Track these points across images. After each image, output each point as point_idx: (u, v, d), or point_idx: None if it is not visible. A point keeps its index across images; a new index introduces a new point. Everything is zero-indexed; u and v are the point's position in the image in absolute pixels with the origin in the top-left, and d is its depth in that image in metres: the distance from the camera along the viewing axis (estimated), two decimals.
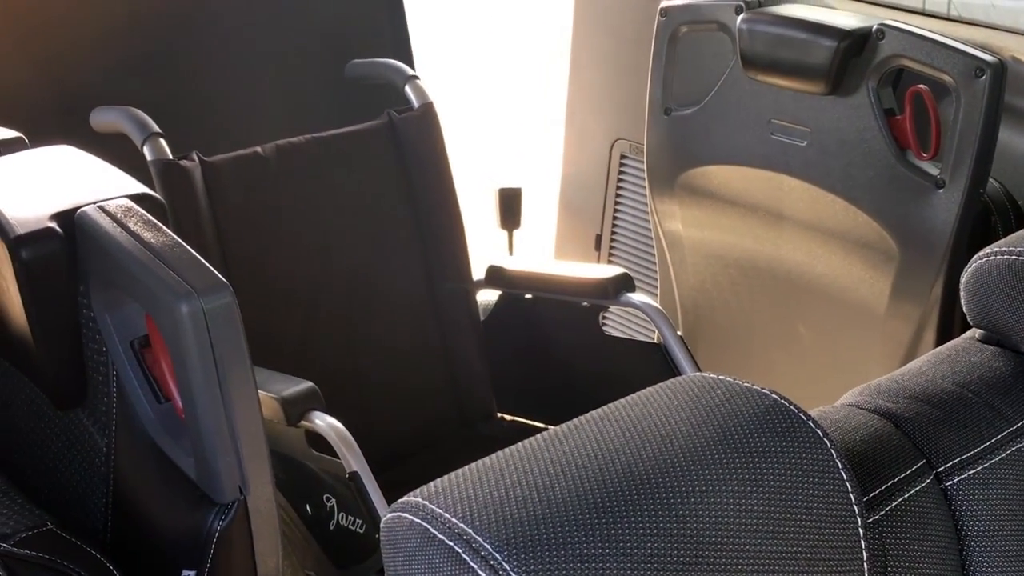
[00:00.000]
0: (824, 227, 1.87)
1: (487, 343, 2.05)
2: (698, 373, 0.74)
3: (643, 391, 0.72)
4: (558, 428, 0.68)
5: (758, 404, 0.70)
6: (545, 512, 0.60)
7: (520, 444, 0.67)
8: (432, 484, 0.64)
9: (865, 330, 1.86)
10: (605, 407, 0.70)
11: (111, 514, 1.15)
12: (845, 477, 0.68)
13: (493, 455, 0.66)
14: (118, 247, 1.02)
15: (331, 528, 1.60)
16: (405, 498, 0.64)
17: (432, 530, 0.60)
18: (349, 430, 1.53)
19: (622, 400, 0.71)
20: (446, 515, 0.60)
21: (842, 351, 1.93)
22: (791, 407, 0.70)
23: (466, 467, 0.66)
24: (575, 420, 0.69)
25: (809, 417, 0.70)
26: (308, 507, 1.65)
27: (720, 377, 0.72)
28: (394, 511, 0.63)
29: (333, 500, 1.59)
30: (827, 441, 0.69)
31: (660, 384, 0.73)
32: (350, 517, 1.56)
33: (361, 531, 1.53)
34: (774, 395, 0.71)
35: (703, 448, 0.65)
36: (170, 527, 1.09)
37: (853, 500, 0.68)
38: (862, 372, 1.85)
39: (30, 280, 1.05)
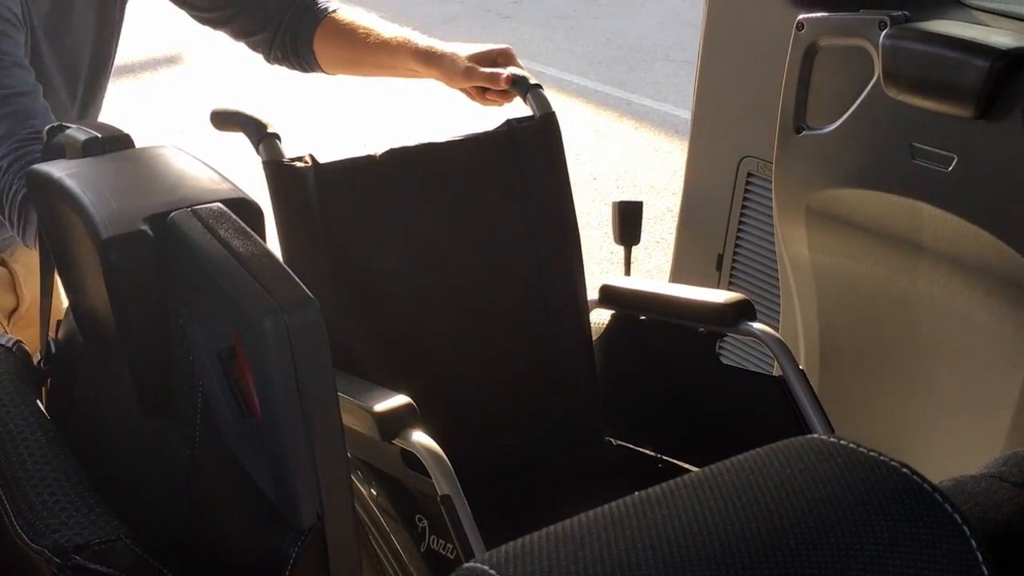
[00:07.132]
0: (966, 261, 1.73)
1: (598, 364, 1.98)
2: (815, 436, 0.65)
3: (751, 453, 0.63)
4: (649, 491, 0.60)
5: (885, 479, 0.60)
6: None
7: (605, 508, 0.59)
8: (503, 549, 0.57)
9: (1010, 380, 1.71)
10: (706, 469, 0.62)
11: (191, 527, 1.11)
12: (987, 572, 0.59)
13: (575, 518, 0.59)
14: (205, 255, 0.97)
15: (421, 550, 1.54)
16: (471, 563, 0.56)
17: None
18: (447, 447, 1.46)
19: (726, 462, 0.63)
20: None
21: (983, 402, 1.78)
22: (924, 485, 0.61)
23: (543, 530, 0.58)
24: (669, 483, 0.61)
25: (946, 498, 0.60)
26: (400, 526, 1.60)
27: (841, 442, 0.63)
28: None
29: (425, 521, 1.53)
30: (966, 528, 0.59)
31: (771, 446, 0.64)
32: (440, 540, 1.50)
33: (451, 556, 1.47)
34: (904, 469, 0.61)
35: (817, 529, 0.57)
36: (246, 548, 1.05)
37: None
38: (1006, 428, 1.70)
39: (117, 283, 1.02)
